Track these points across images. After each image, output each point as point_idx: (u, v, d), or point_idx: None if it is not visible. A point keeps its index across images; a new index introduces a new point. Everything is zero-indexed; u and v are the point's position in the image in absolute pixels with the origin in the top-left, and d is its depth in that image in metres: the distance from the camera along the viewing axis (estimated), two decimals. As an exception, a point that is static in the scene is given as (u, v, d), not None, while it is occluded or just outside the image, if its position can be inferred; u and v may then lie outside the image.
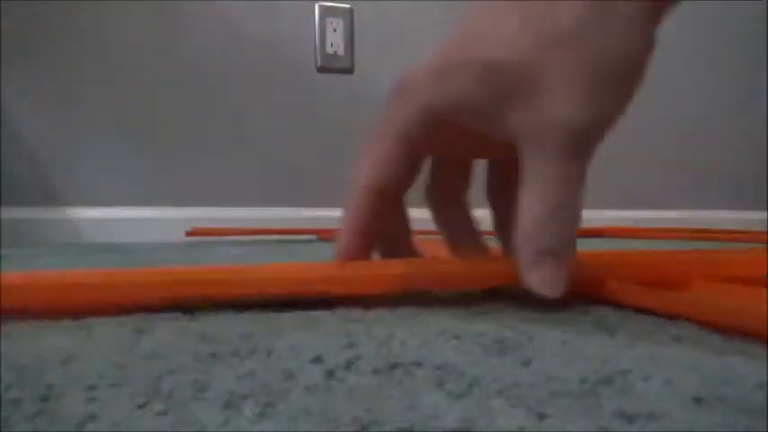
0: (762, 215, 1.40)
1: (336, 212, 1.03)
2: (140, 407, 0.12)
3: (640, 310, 0.24)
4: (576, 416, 0.12)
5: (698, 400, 0.13)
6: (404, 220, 0.31)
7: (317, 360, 0.16)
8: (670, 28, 1.30)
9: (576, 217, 0.23)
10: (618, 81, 0.23)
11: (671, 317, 0.22)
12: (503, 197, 0.30)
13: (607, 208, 1.31)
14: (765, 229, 1.19)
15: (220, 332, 0.20)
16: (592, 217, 1.28)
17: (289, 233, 0.98)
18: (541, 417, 0.12)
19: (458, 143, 0.27)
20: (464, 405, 0.13)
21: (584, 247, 0.30)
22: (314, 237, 0.99)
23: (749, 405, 0.12)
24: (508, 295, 0.29)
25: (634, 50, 0.22)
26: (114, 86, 0.99)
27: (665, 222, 1.31)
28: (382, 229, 0.29)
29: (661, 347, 0.18)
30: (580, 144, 0.23)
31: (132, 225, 0.98)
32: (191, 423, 0.11)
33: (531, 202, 0.23)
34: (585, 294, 0.27)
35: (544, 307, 0.25)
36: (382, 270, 0.27)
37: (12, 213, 0.91)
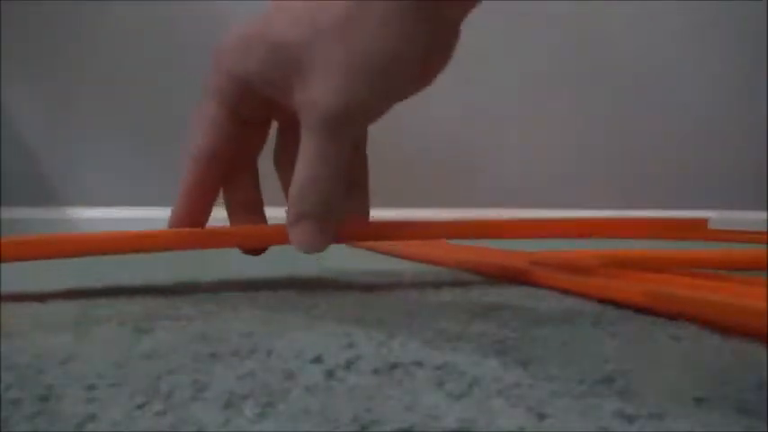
0: (762, 215, 1.40)
1: (336, 212, 0.99)
2: (140, 407, 0.12)
3: (640, 310, 0.24)
4: (576, 416, 0.12)
5: (698, 400, 0.13)
6: (248, 186, 0.32)
7: (317, 360, 0.16)
8: (670, 28, 1.29)
9: (332, 188, 0.26)
10: (374, 75, 0.25)
11: (671, 317, 0.22)
12: (289, 164, 0.32)
13: (607, 208, 1.31)
14: (765, 229, 1.19)
15: (220, 332, 0.20)
16: (592, 217, 1.27)
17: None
18: (541, 417, 0.12)
19: (275, 109, 0.29)
20: (464, 405, 0.13)
21: (584, 247, 0.31)
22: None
23: (749, 405, 0.12)
24: (508, 295, 0.29)
25: (390, 48, 0.25)
26: (114, 86, 0.99)
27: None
28: (229, 196, 0.31)
29: (661, 347, 0.18)
30: (334, 127, 0.25)
31: (132, 225, 0.98)
32: (191, 423, 0.11)
33: (297, 171, 0.26)
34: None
35: (544, 307, 0.25)
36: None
37: (12, 213, 0.91)
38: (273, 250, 0.32)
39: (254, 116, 0.29)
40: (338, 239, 0.29)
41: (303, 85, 0.25)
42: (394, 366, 0.16)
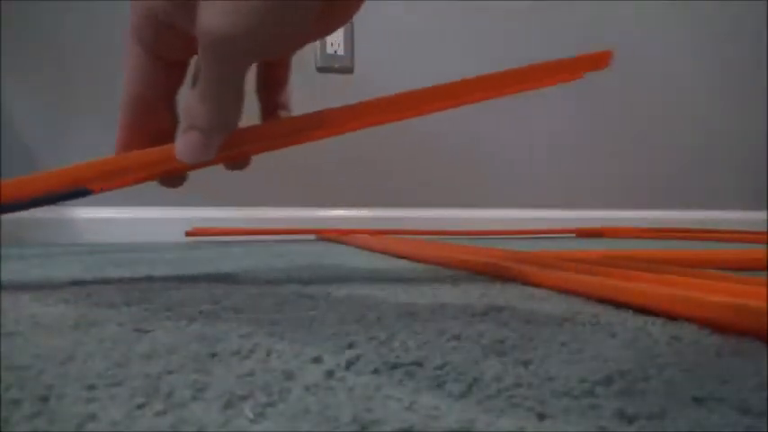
0: (762, 215, 1.40)
1: (336, 212, 1.04)
2: (140, 407, 0.12)
3: (640, 310, 0.24)
4: (576, 416, 0.12)
5: (698, 400, 0.13)
6: (165, 119, 0.32)
7: (317, 360, 0.16)
8: (671, 28, 1.29)
9: (219, 106, 0.28)
10: (256, 6, 0.25)
11: (671, 317, 0.22)
12: (266, 92, 0.34)
13: (607, 208, 1.32)
14: (765, 229, 1.19)
15: (220, 332, 0.20)
16: (592, 217, 1.28)
17: (289, 233, 0.98)
18: (541, 417, 0.12)
19: (188, 45, 0.30)
20: (464, 405, 0.13)
21: (585, 247, 0.30)
22: (314, 237, 0.99)
23: (749, 405, 0.12)
24: (508, 295, 0.29)
25: None
26: (114, 87, 0.98)
27: (665, 222, 1.31)
28: (156, 128, 0.32)
29: (661, 347, 0.18)
30: (221, 51, 0.26)
31: (132, 225, 0.98)
32: (190, 423, 0.11)
33: (190, 88, 0.28)
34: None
35: (544, 307, 0.25)
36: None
37: (12, 213, 0.91)
38: (274, 251, 0.32)
39: (171, 54, 0.30)
40: (224, 151, 0.30)
41: (198, 12, 0.26)
42: (394, 366, 0.16)
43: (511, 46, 1.26)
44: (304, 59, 1.11)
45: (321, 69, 1.12)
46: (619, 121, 1.34)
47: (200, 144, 0.28)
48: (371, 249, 0.62)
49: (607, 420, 0.12)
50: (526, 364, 0.16)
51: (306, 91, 1.12)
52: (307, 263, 0.48)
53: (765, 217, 1.39)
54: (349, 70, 1.13)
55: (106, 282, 0.34)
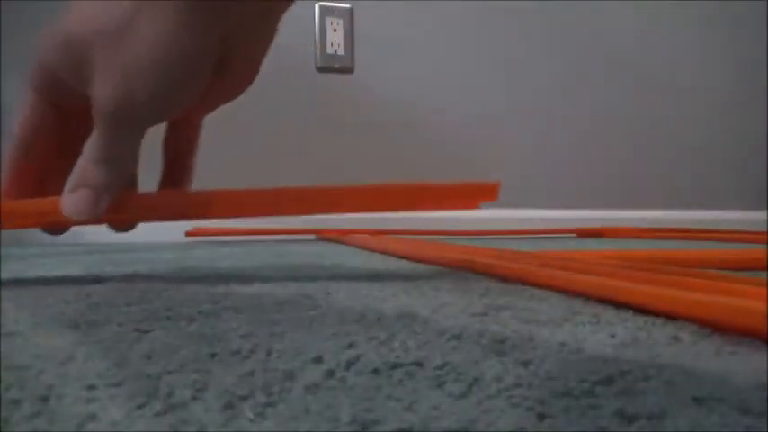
0: (762, 215, 1.40)
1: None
2: (140, 407, 0.12)
3: (640, 310, 0.24)
4: (576, 416, 0.12)
5: (698, 400, 0.13)
6: (68, 170, 0.33)
7: (317, 360, 0.16)
8: (671, 28, 1.30)
9: (111, 169, 0.29)
10: (149, 76, 0.27)
11: (671, 317, 0.22)
12: (171, 150, 0.36)
13: (607, 208, 1.31)
14: (765, 229, 1.19)
15: (220, 332, 0.20)
16: (592, 217, 1.28)
17: (289, 233, 0.98)
18: (541, 417, 0.12)
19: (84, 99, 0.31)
20: (464, 405, 0.13)
21: (585, 247, 0.31)
22: (313, 237, 0.99)
23: (749, 405, 0.12)
24: (508, 295, 0.29)
25: (162, 51, 0.27)
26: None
27: (665, 222, 1.31)
28: (41, 176, 0.32)
29: (661, 347, 0.18)
30: (113, 121, 0.28)
31: (132, 225, 0.98)
32: (190, 423, 0.11)
33: (85, 150, 0.29)
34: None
35: (544, 307, 0.25)
36: None
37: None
38: (274, 251, 0.32)
39: (69, 105, 0.31)
40: (110, 211, 0.30)
41: (90, 79, 0.28)
42: (394, 366, 0.16)
43: (512, 46, 1.26)
44: (304, 59, 1.11)
45: (321, 69, 1.12)
46: (619, 122, 1.34)
47: (89, 202, 0.29)
48: (371, 249, 0.62)
49: (607, 420, 0.12)
50: (526, 364, 0.16)
51: (306, 91, 1.12)
52: (307, 263, 0.48)
53: (765, 217, 1.39)
54: (349, 70, 1.13)
55: (106, 282, 0.34)
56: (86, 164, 0.29)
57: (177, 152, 0.36)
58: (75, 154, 0.31)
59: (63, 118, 0.31)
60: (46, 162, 0.32)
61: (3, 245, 0.79)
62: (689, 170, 1.39)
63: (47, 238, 0.34)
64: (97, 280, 0.35)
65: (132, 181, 0.33)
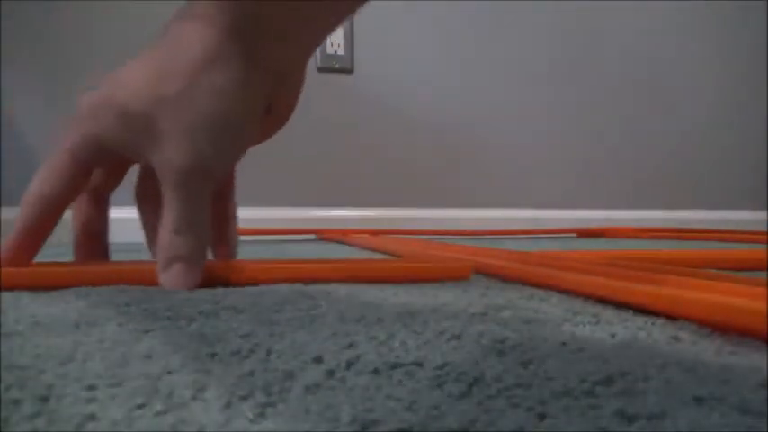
0: (762, 215, 1.40)
1: (336, 212, 1.04)
2: (140, 407, 0.12)
3: (640, 310, 0.24)
4: (576, 416, 0.12)
5: (698, 400, 0.13)
6: (94, 221, 0.35)
7: (317, 360, 0.16)
8: (671, 29, 1.30)
9: (196, 234, 0.30)
10: (216, 136, 0.29)
11: (671, 317, 0.22)
12: (148, 204, 0.36)
13: (607, 208, 1.31)
14: (765, 229, 1.19)
15: (220, 332, 0.20)
16: (592, 217, 1.28)
17: (289, 233, 0.98)
18: (541, 417, 0.12)
19: (126, 163, 0.34)
20: (464, 405, 0.13)
21: (585, 247, 0.31)
22: (314, 237, 0.99)
23: (749, 405, 0.12)
24: (508, 295, 0.29)
25: (225, 113, 0.29)
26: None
27: (665, 222, 1.31)
28: (79, 229, 0.35)
29: (661, 347, 0.18)
30: (189, 182, 0.29)
31: (132, 225, 0.98)
32: (190, 423, 0.11)
33: (164, 222, 0.30)
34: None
35: (544, 307, 0.25)
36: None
37: (12, 213, 0.91)
38: (274, 250, 0.32)
39: (108, 166, 0.33)
40: (204, 276, 0.31)
41: (154, 148, 0.29)
42: (394, 366, 0.16)
43: (512, 46, 1.26)
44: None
45: (321, 69, 1.12)
46: (619, 122, 1.34)
47: (187, 274, 0.30)
48: (371, 249, 0.62)
49: (607, 420, 0.12)
50: (526, 364, 0.16)
51: (306, 91, 1.12)
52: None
53: (765, 217, 1.39)
54: (349, 70, 1.13)
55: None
56: (169, 236, 0.29)
57: (218, 194, 0.36)
58: (100, 202, 0.34)
59: (88, 174, 0.32)
60: (53, 221, 0.32)
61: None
62: (689, 170, 1.39)
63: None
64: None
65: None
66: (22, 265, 0.31)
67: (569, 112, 1.30)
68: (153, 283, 0.30)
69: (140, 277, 0.30)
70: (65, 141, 0.31)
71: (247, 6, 0.28)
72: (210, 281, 0.31)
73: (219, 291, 0.29)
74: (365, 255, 0.57)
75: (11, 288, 0.29)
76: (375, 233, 0.94)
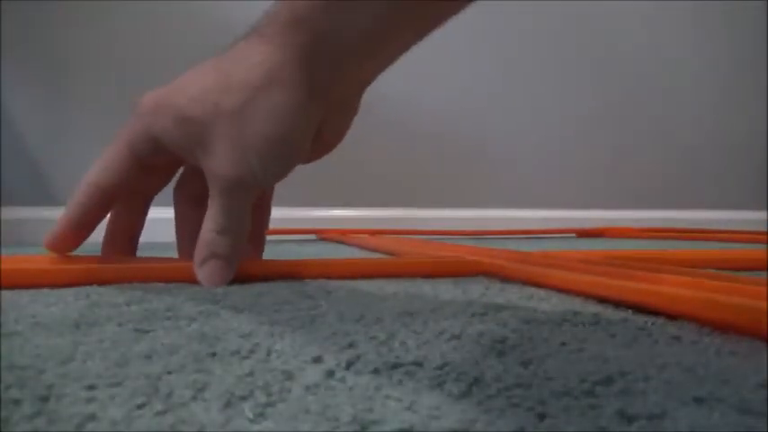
0: (762, 215, 1.40)
1: (336, 212, 1.04)
2: (140, 407, 0.12)
3: (640, 310, 0.24)
4: (576, 416, 0.12)
5: (698, 400, 0.13)
6: (133, 221, 0.36)
7: (317, 360, 0.16)
8: (671, 29, 1.29)
9: (235, 236, 0.31)
10: (264, 153, 0.30)
11: (671, 317, 0.22)
12: (186, 204, 0.37)
13: (607, 208, 1.31)
14: (765, 229, 1.19)
15: (220, 332, 0.20)
16: (592, 217, 1.28)
17: (289, 233, 0.98)
18: (541, 417, 0.12)
19: (176, 164, 0.35)
20: (464, 405, 0.13)
21: (585, 247, 0.31)
22: (314, 236, 0.99)
23: (749, 405, 0.12)
24: (508, 295, 0.29)
25: (279, 134, 0.30)
26: (115, 87, 0.99)
27: (665, 222, 1.31)
28: (115, 226, 0.35)
29: (661, 347, 0.18)
30: (233, 191, 0.30)
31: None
32: (190, 423, 0.11)
33: (206, 222, 0.31)
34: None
35: (544, 307, 0.25)
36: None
37: (12, 213, 0.91)
38: (275, 250, 0.32)
39: (159, 165, 0.34)
40: (237, 275, 0.32)
41: (206, 154, 0.30)
42: (394, 366, 0.16)
43: (512, 46, 1.26)
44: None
45: (321, 69, 1.12)
46: (619, 122, 1.34)
47: (223, 271, 0.31)
48: (371, 249, 0.62)
49: (607, 420, 0.12)
50: (526, 364, 0.16)
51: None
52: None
53: (765, 217, 1.39)
54: (349, 70, 1.13)
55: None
56: (211, 235, 0.31)
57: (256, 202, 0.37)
58: (141, 201, 0.35)
59: (143, 174, 0.33)
60: (105, 211, 0.33)
61: (3, 245, 0.79)
62: (689, 170, 1.39)
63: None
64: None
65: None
66: (64, 252, 0.33)
67: (569, 112, 1.30)
68: (180, 279, 0.32)
69: (167, 274, 0.32)
70: (124, 135, 0.32)
71: (320, 26, 0.28)
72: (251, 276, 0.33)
73: (219, 291, 0.29)
74: (365, 255, 0.57)
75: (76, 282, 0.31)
76: (375, 233, 0.94)
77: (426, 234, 1.00)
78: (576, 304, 0.26)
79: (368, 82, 0.33)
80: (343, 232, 0.93)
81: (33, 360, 0.16)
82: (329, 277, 0.35)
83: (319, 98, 0.30)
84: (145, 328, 0.20)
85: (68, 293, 0.28)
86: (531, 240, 0.95)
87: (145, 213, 0.36)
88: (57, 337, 0.19)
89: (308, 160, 0.35)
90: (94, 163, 0.32)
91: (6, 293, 0.28)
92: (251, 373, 0.15)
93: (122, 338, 0.19)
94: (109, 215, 0.35)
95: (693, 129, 1.39)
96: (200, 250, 0.31)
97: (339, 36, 0.29)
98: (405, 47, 0.31)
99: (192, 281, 0.31)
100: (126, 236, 0.36)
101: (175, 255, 0.37)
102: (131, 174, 0.32)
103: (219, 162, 0.30)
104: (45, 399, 0.13)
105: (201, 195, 0.33)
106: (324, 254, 0.57)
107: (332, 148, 0.35)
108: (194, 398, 0.13)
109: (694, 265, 0.40)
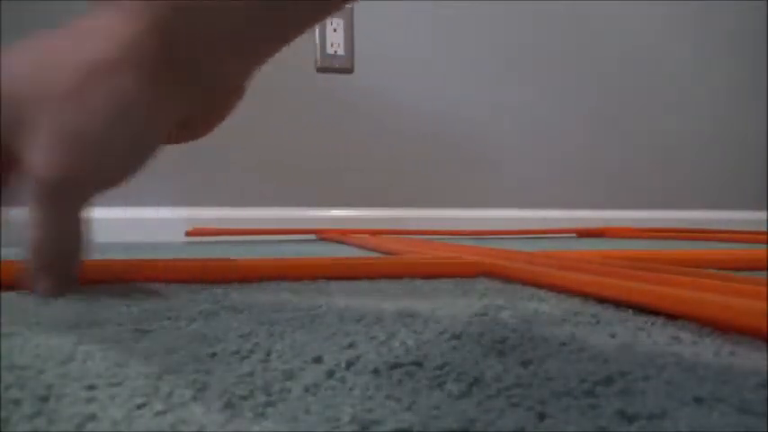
0: (762, 215, 1.40)
1: (336, 212, 1.04)
2: (140, 407, 0.12)
3: (640, 310, 0.24)
4: (576, 416, 0.12)
5: (698, 400, 0.13)
6: None
7: (317, 360, 0.16)
8: (671, 29, 1.29)
9: (62, 245, 0.26)
10: (96, 150, 0.24)
11: (671, 317, 0.22)
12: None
13: (607, 208, 1.31)
14: (765, 229, 1.19)
15: (220, 332, 0.20)
16: (592, 217, 1.28)
17: (289, 233, 0.98)
18: (541, 417, 0.12)
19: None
20: (464, 405, 0.13)
21: (585, 247, 0.31)
22: (314, 236, 0.99)
23: (749, 405, 0.12)
24: (508, 295, 0.29)
25: (113, 127, 0.24)
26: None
27: (665, 222, 1.31)
28: None
29: (661, 347, 0.18)
30: (55, 198, 0.25)
31: (132, 225, 0.98)
32: (190, 423, 0.11)
33: (30, 231, 0.26)
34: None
35: (544, 307, 0.25)
36: None
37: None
38: (274, 250, 0.32)
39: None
40: (80, 282, 0.29)
41: (25, 146, 0.24)
42: (394, 366, 0.16)
43: (512, 46, 1.26)
44: (304, 59, 1.11)
45: (321, 69, 1.12)
46: (619, 122, 1.34)
47: (56, 284, 0.27)
48: (371, 249, 0.62)
49: (607, 420, 0.12)
50: (526, 364, 0.16)
51: (306, 91, 1.12)
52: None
53: (765, 217, 1.39)
54: (349, 70, 1.13)
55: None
56: (40, 245, 0.26)
57: None
58: None
59: None
60: None
61: (3, 245, 0.79)
62: (689, 170, 1.39)
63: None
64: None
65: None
66: None
67: (570, 112, 1.30)
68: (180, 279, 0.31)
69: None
70: None
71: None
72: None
73: (219, 291, 0.29)
74: (365, 255, 0.57)
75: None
76: (375, 233, 0.94)
77: (426, 234, 1.00)
78: (576, 304, 0.26)
79: (257, 63, 0.27)
80: (344, 232, 0.93)
81: (33, 360, 0.16)
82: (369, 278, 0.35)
83: (182, 84, 0.25)
84: (145, 328, 0.20)
85: (68, 293, 0.28)
86: (532, 240, 0.95)
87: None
88: (57, 337, 0.19)
89: (186, 140, 0.30)
90: None
91: (6, 294, 0.28)
92: (251, 373, 0.15)
93: (122, 338, 0.19)
94: None
95: (694, 129, 1.39)
96: (32, 258, 0.27)
97: (204, 6, 0.24)
98: (288, 22, 0.25)
99: (193, 280, 0.31)
100: None
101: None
102: None
103: (41, 157, 0.24)
104: (45, 399, 0.13)
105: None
106: (324, 254, 0.57)
107: (206, 133, 0.30)
108: (194, 398, 0.13)
109: (694, 265, 0.40)
